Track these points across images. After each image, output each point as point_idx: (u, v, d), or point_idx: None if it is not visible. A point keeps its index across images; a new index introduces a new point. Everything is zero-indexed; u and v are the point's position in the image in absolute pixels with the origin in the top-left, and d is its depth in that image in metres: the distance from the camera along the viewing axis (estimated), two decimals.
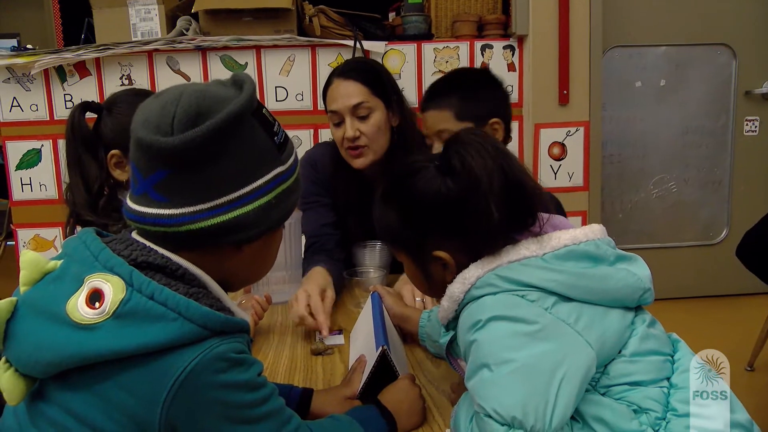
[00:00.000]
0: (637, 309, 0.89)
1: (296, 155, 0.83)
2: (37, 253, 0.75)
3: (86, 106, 1.30)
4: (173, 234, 0.73)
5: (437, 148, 1.44)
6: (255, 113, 0.75)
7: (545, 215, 0.89)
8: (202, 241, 0.74)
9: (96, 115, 1.31)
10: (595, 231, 0.89)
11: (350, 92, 1.61)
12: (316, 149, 1.87)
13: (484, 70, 1.53)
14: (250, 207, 0.74)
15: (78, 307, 0.68)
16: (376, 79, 1.66)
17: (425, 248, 0.90)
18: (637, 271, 0.87)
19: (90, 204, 1.25)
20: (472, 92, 1.44)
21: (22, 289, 0.73)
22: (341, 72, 1.66)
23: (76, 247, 0.74)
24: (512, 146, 1.48)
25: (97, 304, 0.67)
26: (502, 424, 0.75)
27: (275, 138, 0.77)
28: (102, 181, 1.26)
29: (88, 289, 0.69)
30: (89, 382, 0.68)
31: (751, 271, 2.06)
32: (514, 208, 0.84)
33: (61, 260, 0.75)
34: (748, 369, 2.54)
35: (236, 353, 0.71)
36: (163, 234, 0.73)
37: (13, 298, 0.72)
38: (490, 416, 0.76)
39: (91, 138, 1.28)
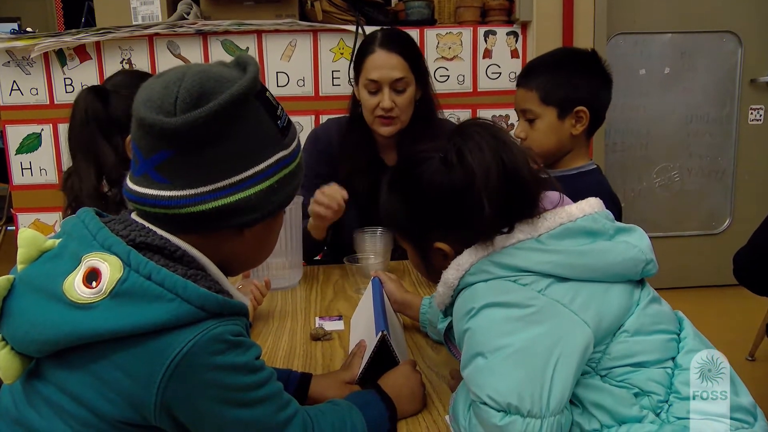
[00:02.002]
0: (642, 285, 0.88)
1: (299, 140, 0.82)
2: (35, 231, 0.74)
3: (95, 90, 1.26)
4: (174, 216, 0.72)
5: (521, 125, 1.45)
6: (258, 95, 0.74)
7: (550, 194, 0.87)
8: (202, 224, 0.73)
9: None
10: (592, 205, 0.87)
11: (393, 65, 1.68)
12: (321, 126, 1.92)
13: (588, 55, 1.46)
14: (251, 191, 0.73)
15: (75, 286, 0.67)
16: (416, 55, 1.74)
17: (426, 238, 0.90)
18: (637, 243, 0.86)
19: (96, 195, 1.22)
20: (563, 77, 1.41)
21: (19, 267, 0.73)
22: (385, 42, 1.70)
23: (75, 226, 0.74)
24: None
25: (94, 284, 0.67)
26: (498, 411, 0.74)
27: (278, 122, 0.76)
28: (119, 170, 1.22)
29: (85, 268, 0.68)
30: (85, 362, 0.68)
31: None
32: (512, 200, 0.83)
33: (59, 239, 0.74)
34: (749, 359, 2.54)
35: (233, 335, 0.70)
36: (164, 216, 0.73)
37: (11, 276, 0.72)
38: (485, 403, 0.76)
39: (108, 123, 1.24)
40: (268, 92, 0.76)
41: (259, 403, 0.73)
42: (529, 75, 1.46)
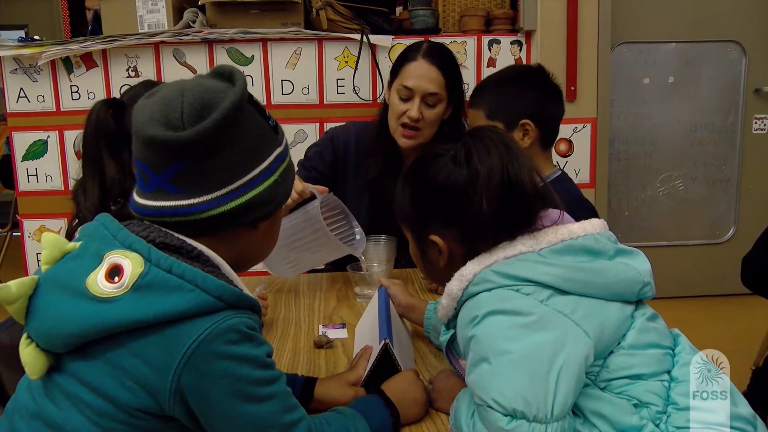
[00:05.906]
0: (638, 303, 0.89)
1: (286, 137, 0.87)
2: (57, 234, 0.78)
3: (110, 103, 1.27)
4: (193, 222, 0.76)
5: None
6: (249, 100, 0.79)
7: (551, 211, 0.89)
8: (221, 225, 0.77)
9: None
10: (595, 225, 0.89)
11: (432, 78, 1.68)
12: (341, 127, 1.91)
13: (533, 69, 1.49)
14: (261, 187, 0.79)
15: (98, 282, 0.71)
16: (455, 75, 1.73)
17: (425, 230, 0.93)
18: (637, 265, 0.87)
19: (96, 210, 1.22)
20: (507, 93, 1.44)
21: (43, 267, 0.76)
22: (428, 54, 1.70)
23: (95, 229, 0.77)
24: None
25: (116, 279, 0.70)
26: (505, 415, 0.75)
27: (269, 121, 0.82)
28: (123, 185, 1.22)
29: (107, 265, 0.72)
30: (105, 352, 0.70)
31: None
32: (510, 208, 0.85)
33: (80, 242, 0.77)
34: (754, 369, 2.52)
35: (248, 328, 0.73)
36: (184, 223, 0.76)
37: (35, 276, 0.75)
38: (491, 407, 0.76)
39: (117, 137, 1.23)
40: (253, 97, 0.81)
41: (267, 400, 0.74)
42: (476, 95, 1.50)
